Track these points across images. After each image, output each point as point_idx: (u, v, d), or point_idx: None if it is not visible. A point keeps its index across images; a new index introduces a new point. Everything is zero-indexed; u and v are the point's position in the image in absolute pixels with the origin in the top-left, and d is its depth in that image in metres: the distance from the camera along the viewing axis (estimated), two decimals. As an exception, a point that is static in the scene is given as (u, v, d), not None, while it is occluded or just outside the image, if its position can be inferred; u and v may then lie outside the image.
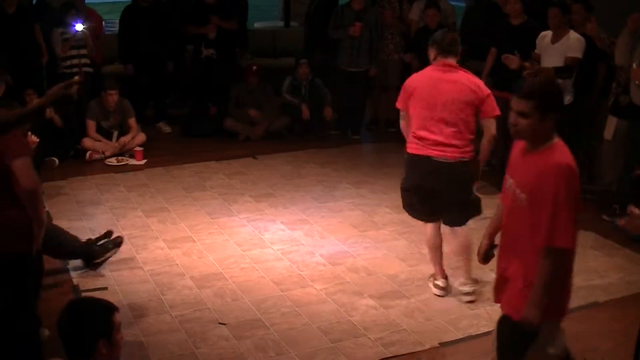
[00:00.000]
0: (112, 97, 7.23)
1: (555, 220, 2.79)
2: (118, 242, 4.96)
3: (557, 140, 2.93)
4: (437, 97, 4.42)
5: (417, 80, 4.54)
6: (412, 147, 4.53)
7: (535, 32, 6.27)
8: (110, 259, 5.03)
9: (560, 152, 2.89)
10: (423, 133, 4.45)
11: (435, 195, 4.55)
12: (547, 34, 6.08)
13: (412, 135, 4.53)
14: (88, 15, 8.00)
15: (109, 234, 5.00)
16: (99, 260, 4.86)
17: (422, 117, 4.45)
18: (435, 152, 4.42)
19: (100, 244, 4.91)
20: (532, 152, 2.95)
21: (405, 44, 8.21)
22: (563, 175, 2.81)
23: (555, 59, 5.94)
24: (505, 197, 3.12)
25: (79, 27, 7.42)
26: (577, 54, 5.89)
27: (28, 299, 3.41)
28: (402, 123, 4.68)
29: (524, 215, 2.92)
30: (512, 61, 5.97)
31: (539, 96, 2.87)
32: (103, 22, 8.43)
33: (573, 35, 5.95)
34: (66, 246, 4.66)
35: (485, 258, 3.29)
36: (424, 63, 4.81)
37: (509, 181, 3.07)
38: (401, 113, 4.66)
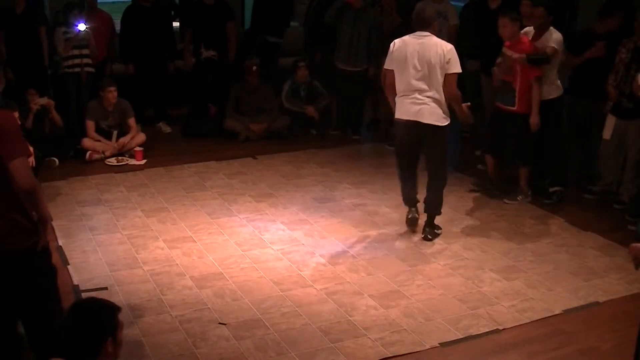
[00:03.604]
0: (112, 93, 7.21)
1: None
2: None
3: None
4: None
5: None
6: None
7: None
8: (110, 258, 5.05)
9: None
10: None
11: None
12: (529, 31, 6.14)
13: None
14: (97, 15, 7.99)
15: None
16: None
17: None
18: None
19: None
20: None
21: None
22: None
23: None
24: None
25: (82, 26, 7.40)
26: (555, 44, 5.96)
27: (47, 291, 3.37)
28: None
29: None
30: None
31: None
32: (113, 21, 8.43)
33: (554, 32, 6.03)
34: None
35: None
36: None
37: None
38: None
